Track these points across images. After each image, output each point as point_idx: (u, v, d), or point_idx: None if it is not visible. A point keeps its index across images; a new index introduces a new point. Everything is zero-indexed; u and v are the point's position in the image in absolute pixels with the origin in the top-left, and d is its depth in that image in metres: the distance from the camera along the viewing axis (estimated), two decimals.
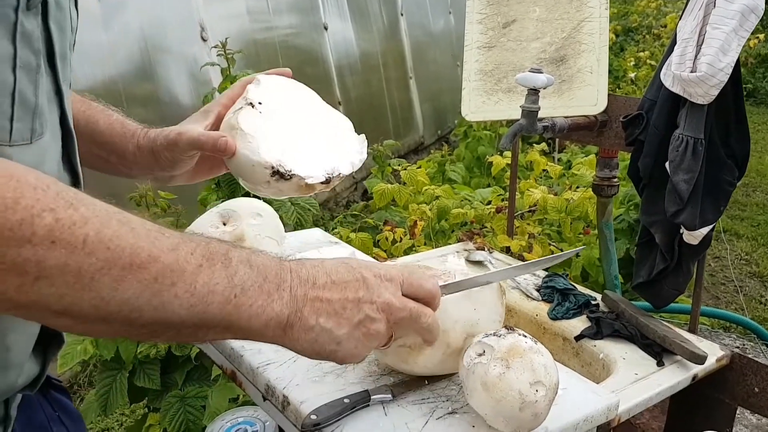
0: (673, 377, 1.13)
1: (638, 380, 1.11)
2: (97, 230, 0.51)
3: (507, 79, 1.66)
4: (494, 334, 0.79)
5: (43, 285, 0.49)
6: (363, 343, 0.67)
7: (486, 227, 2.73)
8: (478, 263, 1.51)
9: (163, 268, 0.54)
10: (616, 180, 1.76)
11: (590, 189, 2.24)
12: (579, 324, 1.30)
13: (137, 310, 0.54)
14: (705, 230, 1.34)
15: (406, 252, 2.57)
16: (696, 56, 1.27)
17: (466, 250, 1.57)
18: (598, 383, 1.03)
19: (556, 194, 2.90)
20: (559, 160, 4.40)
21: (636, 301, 1.95)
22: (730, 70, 1.24)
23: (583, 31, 1.63)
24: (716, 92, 1.26)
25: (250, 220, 1.11)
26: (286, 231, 1.24)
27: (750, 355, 1.21)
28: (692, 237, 1.35)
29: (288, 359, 0.92)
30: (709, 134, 1.31)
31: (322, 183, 0.87)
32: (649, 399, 1.08)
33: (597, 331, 1.25)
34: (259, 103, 0.88)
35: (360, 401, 0.82)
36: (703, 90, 1.26)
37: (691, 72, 1.27)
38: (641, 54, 6.96)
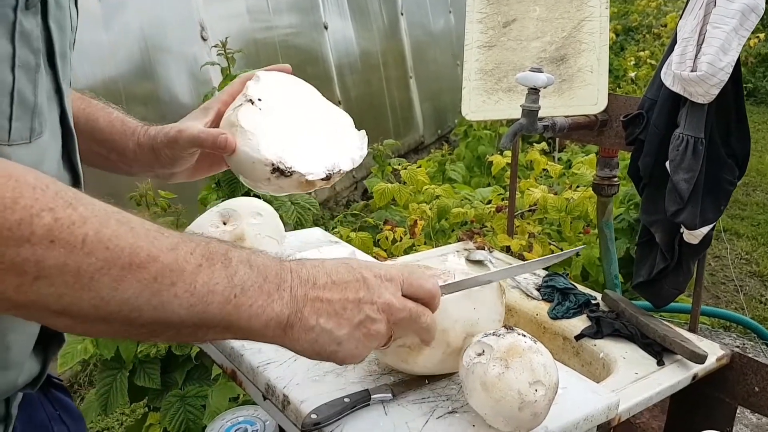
0: (673, 376, 1.13)
1: (638, 379, 1.11)
2: (96, 230, 0.51)
3: (507, 79, 1.66)
4: (493, 334, 0.79)
5: (42, 285, 0.49)
6: (363, 344, 0.67)
7: (486, 226, 2.74)
8: (478, 262, 1.51)
9: (162, 268, 0.54)
10: (616, 179, 1.76)
11: (590, 188, 2.24)
12: (579, 323, 1.30)
13: (137, 309, 0.53)
14: (705, 229, 1.34)
15: (407, 251, 2.57)
16: (696, 55, 1.27)
17: (466, 249, 1.57)
18: (598, 382, 1.03)
19: (556, 193, 2.90)
20: (559, 159, 4.40)
21: (636, 300, 1.95)
22: (731, 70, 1.24)
23: (583, 31, 1.63)
24: (717, 91, 1.26)
25: (250, 219, 1.11)
26: (286, 230, 1.23)
27: (750, 355, 1.21)
28: (692, 236, 1.35)
29: (288, 358, 0.92)
30: (710, 133, 1.31)
31: (322, 179, 0.87)
32: (649, 398, 1.08)
33: (597, 331, 1.25)
34: (259, 100, 0.88)
35: (360, 400, 0.82)
36: (703, 89, 1.26)
37: (692, 71, 1.27)
38: (641, 53, 6.96)
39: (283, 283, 0.62)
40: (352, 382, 0.87)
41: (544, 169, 3.34)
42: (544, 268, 1.51)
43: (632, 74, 6.11)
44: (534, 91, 1.38)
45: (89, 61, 2.92)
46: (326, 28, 4.87)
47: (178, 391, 1.88)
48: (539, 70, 1.36)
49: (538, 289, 1.42)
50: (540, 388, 0.74)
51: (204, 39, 3.55)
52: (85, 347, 1.82)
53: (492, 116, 1.69)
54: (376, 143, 3.64)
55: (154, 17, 3.36)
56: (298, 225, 2.01)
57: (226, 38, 2.13)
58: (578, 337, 1.26)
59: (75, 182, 0.73)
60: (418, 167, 3.41)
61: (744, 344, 2.72)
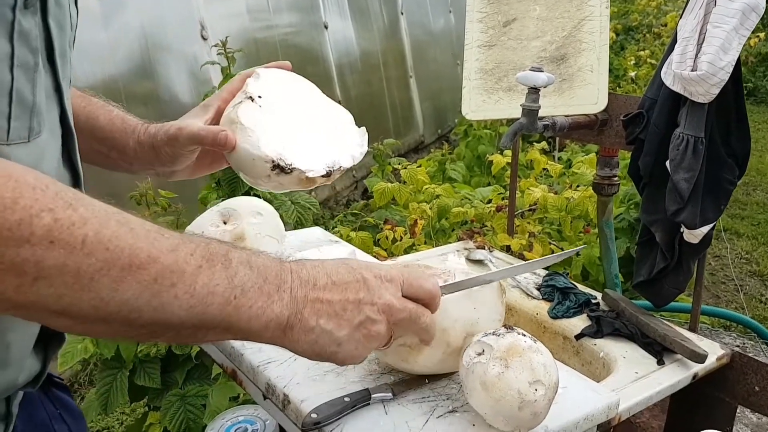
0: (673, 376, 1.13)
1: (638, 379, 1.11)
2: (96, 231, 0.51)
3: (507, 78, 1.66)
4: (493, 334, 0.79)
5: (41, 285, 0.49)
6: (363, 345, 0.67)
7: (486, 226, 2.74)
8: (479, 262, 1.51)
9: (162, 269, 0.54)
10: (616, 179, 1.76)
11: (590, 188, 2.24)
12: (579, 323, 1.29)
13: (136, 310, 0.53)
14: (705, 229, 1.34)
15: (407, 251, 2.57)
16: (697, 55, 1.27)
17: (466, 248, 1.57)
18: (598, 382, 1.03)
19: (556, 193, 2.90)
20: (559, 158, 4.40)
21: (636, 299, 1.95)
22: (731, 69, 1.24)
23: (583, 30, 1.63)
24: (717, 91, 1.26)
25: (251, 218, 1.11)
26: (286, 230, 1.23)
27: (750, 354, 1.21)
28: (693, 236, 1.35)
29: (288, 358, 0.92)
30: (710, 133, 1.31)
31: (322, 176, 0.87)
32: (649, 398, 1.08)
33: (597, 330, 1.25)
34: (259, 97, 0.88)
35: (360, 400, 0.82)
36: (703, 89, 1.26)
37: (692, 71, 1.26)
38: (641, 53, 6.96)
39: (283, 284, 0.62)
40: (352, 381, 0.87)
41: (544, 169, 3.35)
42: (544, 268, 1.51)
43: (632, 74, 6.11)
44: (534, 91, 1.38)
45: (89, 60, 2.92)
46: (326, 27, 4.87)
47: (178, 391, 1.88)
48: (539, 70, 1.36)
49: (538, 289, 1.42)
50: (540, 388, 0.74)
51: (204, 38, 3.55)
52: (86, 346, 1.83)
53: (492, 116, 1.69)
54: (377, 143, 3.64)
55: (154, 16, 3.36)
56: (299, 224, 2.01)
57: (227, 37, 2.13)
58: (578, 337, 1.26)
59: (75, 181, 0.73)
60: (418, 167, 3.41)
61: (744, 344, 2.72)
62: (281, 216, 1.22)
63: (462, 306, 0.82)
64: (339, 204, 4.82)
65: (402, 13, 5.97)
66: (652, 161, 1.40)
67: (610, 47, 2.15)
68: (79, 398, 2.56)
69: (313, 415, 0.78)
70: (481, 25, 1.72)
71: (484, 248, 1.56)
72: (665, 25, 7.59)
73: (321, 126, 0.92)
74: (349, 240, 2.57)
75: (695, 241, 1.36)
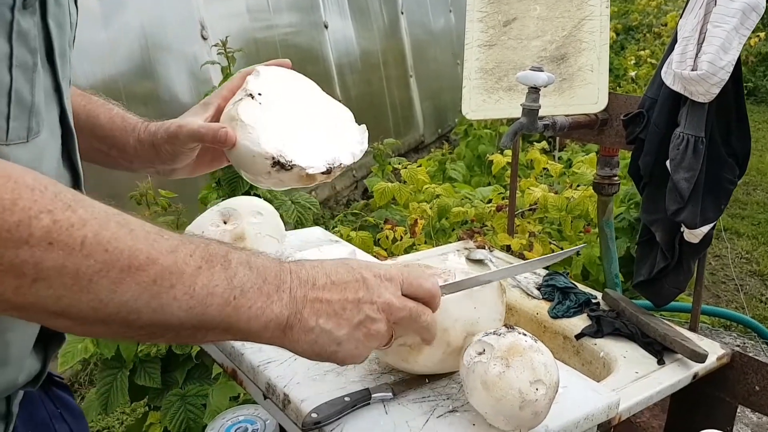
0: (673, 376, 1.13)
1: (639, 379, 1.11)
2: (95, 232, 0.51)
3: (507, 78, 1.66)
4: (494, 333, 0.79)
5: (40, 287, 0.49)
6: (363, 344, 0.67)
7: (486, 226, 2.73)
8: (479, 262, 1.52)
9: (161, 270, 0.54)
10: (616, 178, 1.76)
11: (591, 187, 2.24)
12: (579, 322, 1.29)
13: (136, 312, 0.53)
14: (705, 229, 1.34)
15: (407, 250, 2.57)
16: (697, 54, 1.27)
17: (466, 248, 1.57)
18: (598, 382, 1.03)
19: (556, 193, 2.90)
20: (559, 158, 4.40)
21: (636, 299, 1.95)
22: (731, 69, 1.24)
23: (583, 30, 1.63)
24: (717, 90, 1.25)
25: (251, 218, 1.11)
26: (286, 229, 1.23)
27: (751, 354, 1.21)
28: (693, 235, 1.35)
29: (289, 357, 0.92)
30: (710, 132, 1.31)
31: (323, 173, 0.86)
32: (649, 397, 1.08)
33: (597, 330, 1.25)
34: (259, 94, 0.88)
35: (361, 399, 0.82)
36: (704, 88, 1.26)
37: (692, 70, 1.26)
38: (642, 52, 6.95)
39: (283, 284, 0.62)
40: (352, 381, 0.87)
41: (544, 168, 3.34)
42: (544, 267, 1.51)
43: (632, 73, 6.11)
44: (534, 90, 1.38)
45: (89, 60, 2.92)
46: (326, 27, 4.86)
47: (178, 390, 1.88)
48: (539, 69, 1.36)
49: (538, 288, 1.42)
50: (541, 387, 0.74)
51: (204, 38, 3.55)
52: (86, 346, 1.83)
53: (492, 115, 1.69)
54: (377, 142, 3.64)
55: (154, 16, 3.36)
56: (299, 224, 2.01)
57: (227, 37, 2.13)
58: (579, 336, 1.26)
59: (75, 181, 0.73)
60: (418, 166, 3.41)
61: (744, 343, 2.72)
62: (281, 216, 1.22)
63: (462, 306, 0.82)
64: (339, 204, 4.82)
65: (402, 13, 5.97)
66: (652, 161, 1.40)
67: (611, 47, 2.15)
68: (79, 398, 2.56)
69: (314, 415, 0.78)
70: (481, 25, 1.72)
71: (484, 248, 1.56)
72: (665, 25, 7.59)
73: (321, 123, 0.92)
74: (349, 240, 2.57)
75: (695, 240, 1.36)
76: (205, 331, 0.58)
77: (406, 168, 3.32)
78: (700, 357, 1.14)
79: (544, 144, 4.42)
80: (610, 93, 1.58)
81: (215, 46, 2.16)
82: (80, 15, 0.76)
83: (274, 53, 4.17)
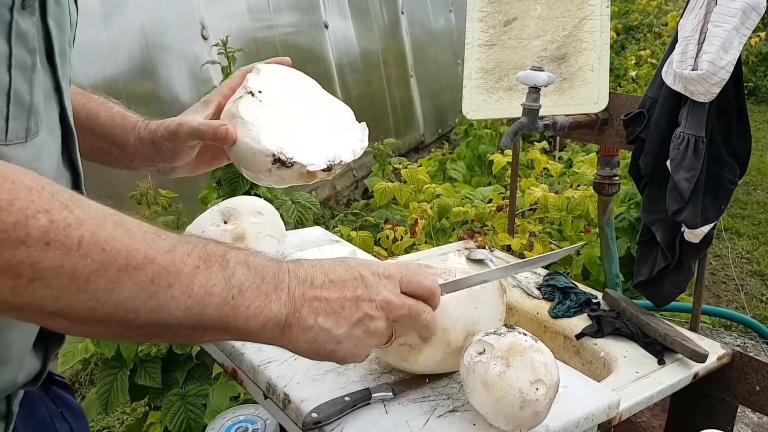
0: (674, 375, 1.13)
1: (639, 378, 1.11)
2: (92, 232, 0.51)
3: (508, 77, 1.66)
4: (494, 333, 0.79)
5: (38, 287, 0.49)
6: (363, 342, 0.67)
7: (487, 225, 2.73)
8: (479, 262, 1.51)
9: (159, 270, 0.54)
10: (617, 178, 1.76)
11: (591, 187, 2.24)
12: (580, 322, 1.29)
13: (133, 311, 0.53)
14: (706, 228, 1.34)
15: (407, 250, 2.57)
16: (697, 54, 1.27)
17: (466, 248, 1.57)
18: (599, 381, 1.03)
19: (556, 192, 2.90)
20: (560, 158, 4.40)
21: (637, 299, 1.94)
22: (732, 68, 1.24)
23: (584, 29, 1.62)
24: (717, 90, 1.25)
25: (251, 218, 1.11)
26: (286, 229, 1.23)
27: (751, 354, 1.21)
28: (693, 235, 1.35)
29: (289, 357, 0.92)
30: (711, 132, 1.31)
31: (323, 170, 0.86)
32: (650, 397, 1.08)
33: (598, 330, 1.25)
34: (259, 92, 0.88)
35: (361, 399, 0.81)
36: (704, 88, 1.26)
37: (693, 70, 1.26)
38: (642, 52, 6.95)
39: (281, 283, 0.62)
40: (352, 380, 0.87)
41: (544, 168, 3.35)
42: (544, 267, 1.51)
43: (633, 73, 6.11)
44: (535, 90, 1.38)
45: (89, 60, 2.92)
46: (327, 27, 4.86)
47: (178, 390, 1.88)
48: (540, 69, 1.36)
49: (538, 288, 1.42)
50: (541, 387, 0.74)
51: (205, 38, 3.55)
52: (86, 346, 1.83)
53: (493, 115, 1.69)
54: (377, 142, 3.64)
55: (155, 16, 3.36)
56: (299, 224, 2.01)
57: (227, 37, 2.13)
58: (579, 336, 1.26)
59: (75, 180, 0.72)
60: (418, 166, 3.41)
61: (745, 343, 2.71)
62: (282, 215, 1.22)
63: (462, 305, 0.82)
64: (339, 203, 4.82)
65: (402, 13, 5.97)
66: (652, 161, 1.40)
67: (611, 46, 2.15)
68: (79, 398, 2.56)
69: (314, 415, 0.78)
70: (481, 25, 1.72)
71: (484, 248, 1.56)
72: (666, 25, 7.59)
73: (321, 121, 0.92)
74: (349, 239, 2.57)
75: (696, 240, 1.36)
76: (204, 330, 0.58)
77: (406, 168, 3.32)
78: (701, 357, 1.14)
79: (544, 144, 4.42)
80: (610, 93, 1.58)
81: (216, 45, 2.16)
82: (80, 15, 0.76)
83: (274, 53, 4.14)
